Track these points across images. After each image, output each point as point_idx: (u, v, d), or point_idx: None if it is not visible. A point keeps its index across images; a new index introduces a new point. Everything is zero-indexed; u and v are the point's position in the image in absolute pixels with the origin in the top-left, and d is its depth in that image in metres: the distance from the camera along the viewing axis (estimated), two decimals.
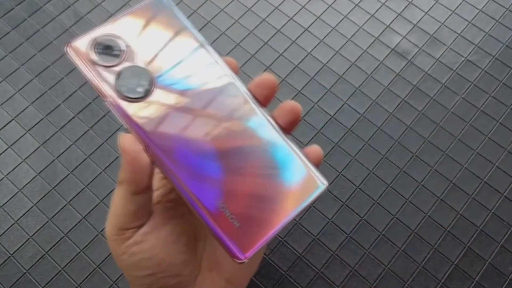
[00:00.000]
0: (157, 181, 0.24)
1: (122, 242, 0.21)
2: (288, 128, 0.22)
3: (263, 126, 0.21)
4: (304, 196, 0.21)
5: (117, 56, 0.21)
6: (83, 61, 0.20)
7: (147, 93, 0.20)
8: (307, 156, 0.22)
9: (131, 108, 0.20)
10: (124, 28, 0.21)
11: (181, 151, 0.20)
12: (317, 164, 0.22)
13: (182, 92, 0.21)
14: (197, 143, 0.20)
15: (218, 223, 0.20)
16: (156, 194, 0.23)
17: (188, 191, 0.20)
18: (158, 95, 0.21)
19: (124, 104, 0.20)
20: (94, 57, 0.20)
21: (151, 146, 0.20)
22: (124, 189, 0.20)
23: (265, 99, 0.22)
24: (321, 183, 0.21)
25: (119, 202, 0.21)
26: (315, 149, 0.23)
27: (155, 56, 0.21)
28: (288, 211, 0.20)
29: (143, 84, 0.20)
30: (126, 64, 0.21)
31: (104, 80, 0.20)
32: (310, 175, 0.21)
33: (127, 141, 0.20)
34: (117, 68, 0.20)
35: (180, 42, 0.22)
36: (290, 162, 0.21)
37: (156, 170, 0.23)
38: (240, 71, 0.38)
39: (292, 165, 0.21)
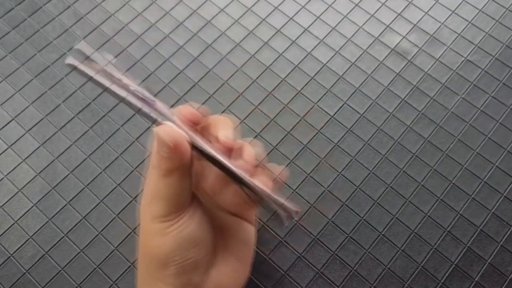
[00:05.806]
0: None
1: (170, 223, 0.23)
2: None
3: None
4: None
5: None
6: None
7: None
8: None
9: None
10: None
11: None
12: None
13: None
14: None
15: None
16: None
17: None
18: None
19: None
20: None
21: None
22: (178, 175, 0.23)
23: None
24: None
25: (174, 185, 0.23)
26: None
27: None
28: None
29: None
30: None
31: None
32: None
33: (172, 130, 0.23)
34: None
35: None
36: None
37: None
38: (240, 72, 0.38)
39: None
